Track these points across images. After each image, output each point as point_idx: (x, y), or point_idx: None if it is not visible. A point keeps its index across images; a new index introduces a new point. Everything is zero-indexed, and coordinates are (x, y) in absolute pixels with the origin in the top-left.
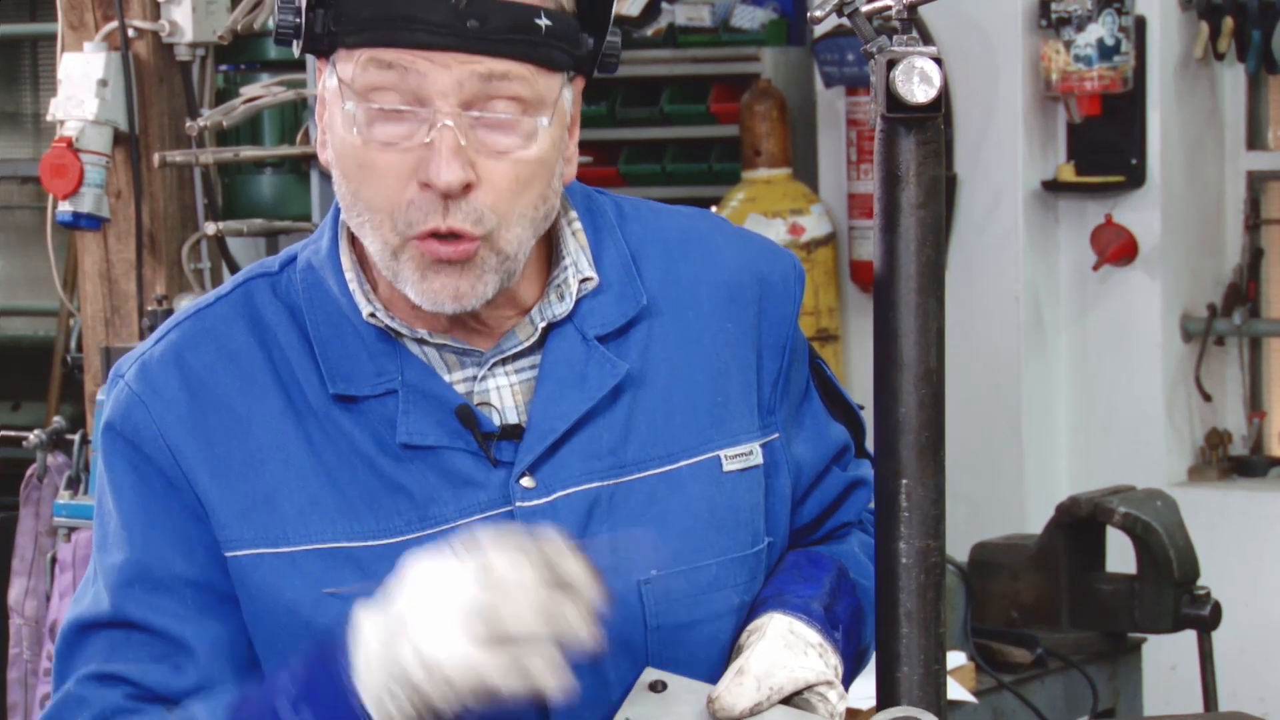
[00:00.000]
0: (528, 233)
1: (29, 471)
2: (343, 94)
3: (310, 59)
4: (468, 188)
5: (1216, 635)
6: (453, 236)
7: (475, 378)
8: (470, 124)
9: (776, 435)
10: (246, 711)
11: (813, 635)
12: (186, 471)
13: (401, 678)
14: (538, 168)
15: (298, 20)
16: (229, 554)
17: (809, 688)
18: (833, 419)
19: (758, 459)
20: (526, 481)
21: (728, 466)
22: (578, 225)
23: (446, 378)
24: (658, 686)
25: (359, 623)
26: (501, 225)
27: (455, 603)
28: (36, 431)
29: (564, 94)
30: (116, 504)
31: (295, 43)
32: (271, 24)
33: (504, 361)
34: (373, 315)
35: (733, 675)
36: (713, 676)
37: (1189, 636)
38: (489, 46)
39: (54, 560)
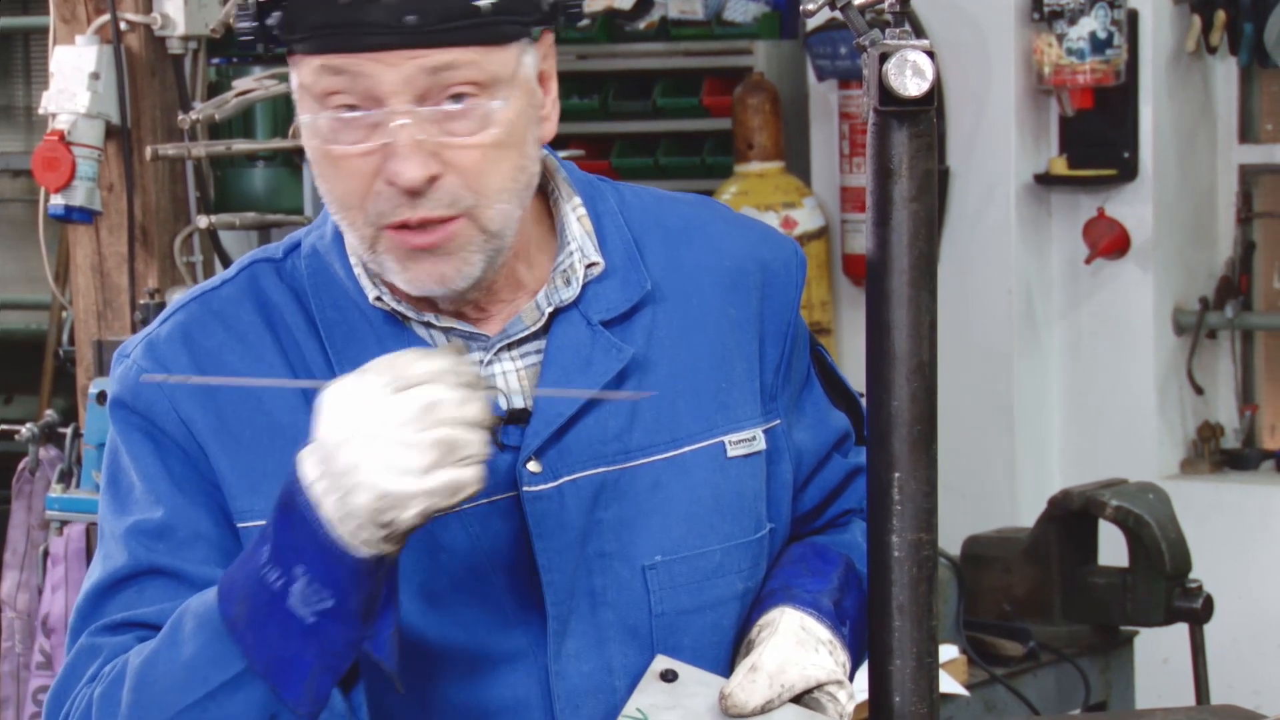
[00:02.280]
0: (512, 205)
1: (21, 465)
2: (302, 101)
3: None
4: (433, 179)
5: (1208, 628)
6: (426, 225)
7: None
8: (427, 117)
9: (779, 421)
10: (234, 592)
11: (823, 632)
12: (201, 443)
13: (370, 523)
14: (504, 145)
15: (254, 24)
16: (241, 525)
17: (819, 686)
18: (833, 406)
19: (761, 444)
20: (533, 466)
21: (732, 452)
22: (582, 211)
23: None
24: (669, 676)
25: (307, 477)
26: (481, 202)
27: (391, 432)
28: (29, 425)
29: (524, 60)
30: (139, 471)
31: (260, 45)
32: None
33: (509, 346)
34: (379, 299)
35: (745, 672)
36: (716, 662)
37: (1181, 630)
38: (430, 39)
39: (46, 554)
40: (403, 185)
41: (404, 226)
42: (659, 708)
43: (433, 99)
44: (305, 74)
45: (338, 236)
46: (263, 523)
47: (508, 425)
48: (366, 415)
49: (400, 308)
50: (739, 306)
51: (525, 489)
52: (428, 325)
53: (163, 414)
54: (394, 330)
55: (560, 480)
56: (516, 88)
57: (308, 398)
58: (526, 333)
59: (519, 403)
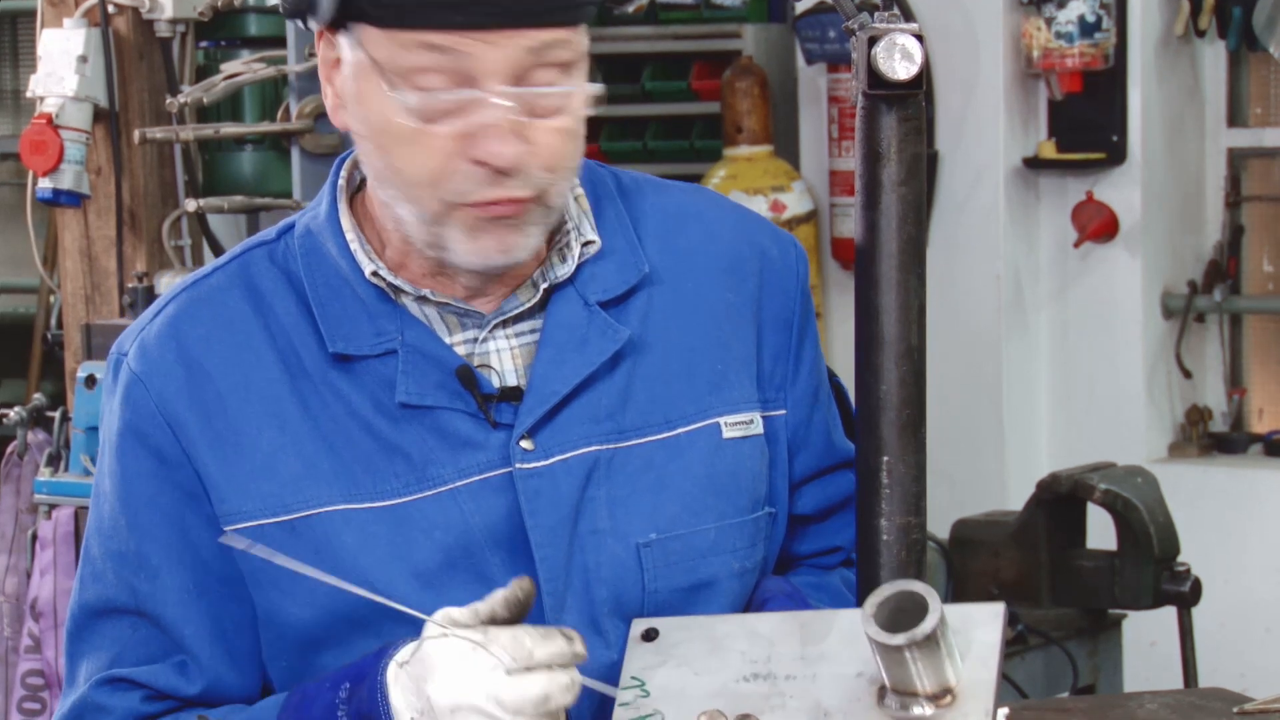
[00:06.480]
0: (572, 181)
1: (9, 449)
2: (384, 78)
3: (291, 29)
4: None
5: (1196, 612)
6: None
7: (476, 339)
8: (521, 99)
9: (783, 412)
10: None
11: None
12: (185, 447)
13: None
14: (580, 123)
15: None
16: (230, 528)
17: None
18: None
19: (759, 428)
20: (526, 444)
21: (727, 433)
22: (580, 191)
23: (447, 339)
24: (650, 635)
25: (399, 714)
26: (554, 181)
27: (504, 715)
28: (17, 409)
29: (586, 41)
30: (115, 488)
31: (310, 18)
32: None
33: (505, 324)
34: (375, 274)
35: None
36: None
37: (1169, 613)
38: (538, 19)
39: (34, 537)
40: (500, 166)
41: (480, 204)
42: (652, 668)
43: (525, 80)
44: (386, 49)
45: (332, 216)
46: (252, 524)
47: (501, 403)
48: (482, 690)
49: (397, 282)
50: (736, 291)
51: (518, 466)
52: (422, 301)
53: (149, 419)
54: (387, 308)
55: (553, 459)
56: (585, 68)
57: (291, 387)
58: (522, 309)
59: (512, 380)
